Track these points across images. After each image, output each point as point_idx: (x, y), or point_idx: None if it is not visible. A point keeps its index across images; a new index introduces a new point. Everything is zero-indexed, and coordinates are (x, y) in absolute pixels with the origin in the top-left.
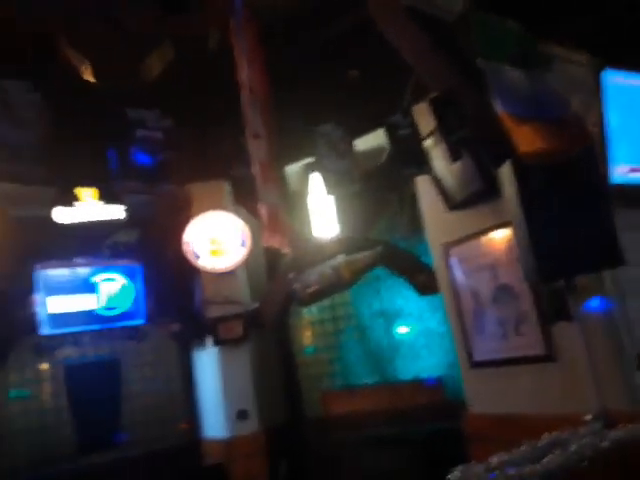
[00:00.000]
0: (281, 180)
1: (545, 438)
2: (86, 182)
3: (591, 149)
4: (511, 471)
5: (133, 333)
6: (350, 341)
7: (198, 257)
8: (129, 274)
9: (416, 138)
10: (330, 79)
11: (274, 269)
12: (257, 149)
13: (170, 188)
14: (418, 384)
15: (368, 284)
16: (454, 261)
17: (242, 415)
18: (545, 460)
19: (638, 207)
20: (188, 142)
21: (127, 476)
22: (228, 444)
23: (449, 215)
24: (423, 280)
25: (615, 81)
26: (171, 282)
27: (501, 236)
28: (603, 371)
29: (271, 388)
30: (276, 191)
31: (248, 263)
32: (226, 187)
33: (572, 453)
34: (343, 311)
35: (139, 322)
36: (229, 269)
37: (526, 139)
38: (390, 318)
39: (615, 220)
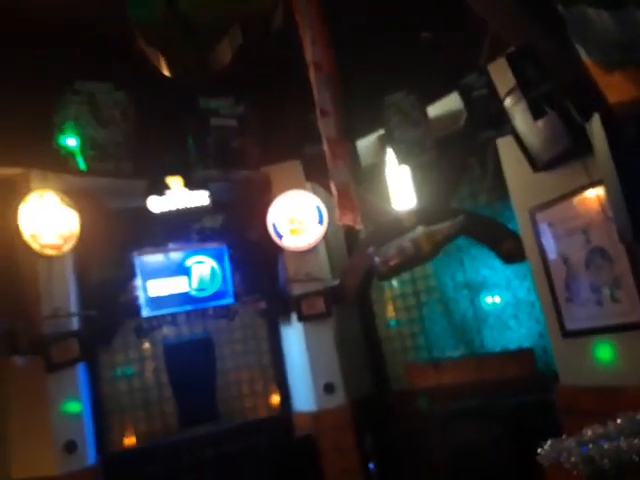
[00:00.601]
0: (352, 156)
1: None
2: (172, 172)
3: None
4: (606, 445)
5: (224, 312)
6: (434, 314)
7: (280, 237)
8: (217, 256)
9: (494, 98)
10: (399, 45)
11: (354, 245)
12: (326, 127)
13: (248, 173)
14: (506, 355)
15: (450, 255)
16: (542, 226)
17: (329, 389)
18: None
19: None
20: (260, 126)
21: (224, 447)
22: (316, 417)
23: (535, 177)
24: (509, 248)
25: None
26: (256, 262)
27: (593, 197)
28: None
29: (356, 362)
30: (347, 168)
31: (328, 240)
32: (300, 167)
33: None
34: (425, 284)
35: (228, 301)
36: (309, 247)
37: (617, 88)
38: (475, 289)
39: None
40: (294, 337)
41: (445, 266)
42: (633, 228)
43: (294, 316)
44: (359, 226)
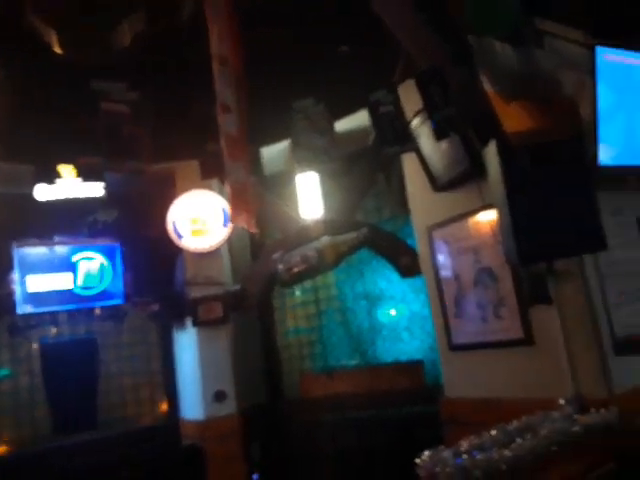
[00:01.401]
0: (254, 158)
1: (516, 422)
2: (63, 159)
3: (580, 130)
4: (479, 456)
5: (112, 313)
6: (332, 323)
7: (180, 237)
8: (108, 253)
9: (400, 116)
10: (313, 55)
11: (259, 250)
12: (227, 123)
13: (140, 165)
14: (398, 367)
15: (352, 266)
16: (437, 243)
17: (219, 396)
18: (514, 445)
19: (619, 190)
20: (157, 117)
21: (100, 457)
22: (204, 425)
23: (435, 196)
24: (406, 262)
25: (607, 59)
26: (151, 262)
27: (485, 218)
28: (579, 356)
29: (251, 370)
30: (245, 169)
31: (232, 243)
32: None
33: (542, 438)
34: (326, 293)
35: (117, 302)
36: (211, 249)
37: (513, 118)
38: (373, 300)
39: (598, 204)
40: (187, 343)
41: (346, 276)
42: (518, 252)
43: (189, 321)
44: (253, 229)
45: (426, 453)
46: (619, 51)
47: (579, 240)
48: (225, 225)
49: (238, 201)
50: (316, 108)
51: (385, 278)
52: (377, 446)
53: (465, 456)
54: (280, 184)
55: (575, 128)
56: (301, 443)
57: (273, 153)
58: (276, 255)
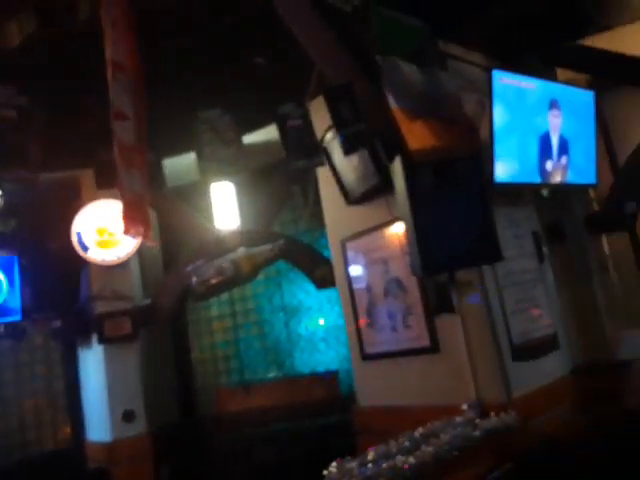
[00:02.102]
0: (157, 168)
1: (421, 429)
2: None
3: (478, 149)
4: (384, 464)
5: (9, 331)
6: (249, 336)
7: (86, 249)
8: (4, 266)
9: (308, 130)
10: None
11: (171, 262)
12: (122, 131)
13: (44, 175)
14: (314, 378)
15: (269, 278)
16: (350, 255)
17: (128, 417)
18: (419, 451)
19: (515, 205)
20: (49, 124)
21: None
22: (112, 447)
23: (348, 209)
24: (321, 274)
25: (502, 82)
26: (53, 275)
27: (394, 231)
28: (480, 362)
29: (163, 387)
30: (142, 178)
31: (142, 256)
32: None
33: (445, 443)
34: (243, 306)
35: (15, 319)
36: (119, 261)
37: (417, 136)
38: (290, 312)
39: (494, 218)
40: (93, 361)
41: (264, 289)
42: (422, 264)
43: (94, 338)
44: (150, 241)
45: (333, 464)
46: (513, 75)
47: (478, 252)
48: (135, 236)
49: (132, 212)
50: (222, 119)
51: (302, 290)
52: (293, 458)
53: (370, 465)
54: (194, 195)
55: (474, 147)
56: (216, 460)
57: (186, 163)
58: (190, 267)
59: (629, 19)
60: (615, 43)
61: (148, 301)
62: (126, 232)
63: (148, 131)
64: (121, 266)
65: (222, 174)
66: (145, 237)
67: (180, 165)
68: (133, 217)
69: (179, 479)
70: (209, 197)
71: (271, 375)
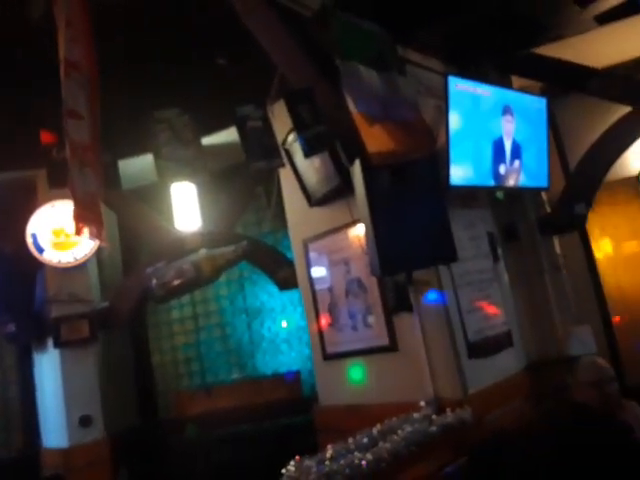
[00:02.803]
0: (112, 169)
1: (379, 426)
2: None
3: (434, 152)
4: (342, 461)
5: None
6: (211, 339)
7: (41, 250)
8: None
9: (268, 131)
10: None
11: (131, 264)
12: (75, 130)
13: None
14: (277, 379)
15: (232, 280)
16: (312, 256)
17: (85, 422)
18: (376, 448)
19: (471, 208)
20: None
21: None
22: (68, 453)
23: (310, 211)
24: (284, 275)
25: (458, 88)
26: (7, 278)
27: (355, 232)
28: (437, 360)
29: (122, 391)
30: (96, 178)
31: (101, 258)
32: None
33: (401, 439)
34: (204, 308)
35: None
36: (76, 264)
37: (376, 139)
38: (253, 314)
39: (450, 219)
40: (49, 365)
41: (226, 290)
42: (380, 264)
43: (50, 341)
44: (104, 242)
45: (291, 463)
46: (469, 81)
47: (434, 252)
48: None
49: (85, 211)
50: (180, 119)
51: (265, 291)
52: (254, 459)
53: (328, 463)
54: (155, 196)
55: (430, 150)
56: (175, 463)
57: (145, 164)
58: (149, 269)
59: (580, 30)
60: (567, 52)
61: (106, 304)
62: (78, 232)
63: (103, 130)
64: (78, 268)
65: (181, 175)
66: (98, 237)
67: (139, 166)
68: (85, 217)
69: None
70: (170, 198)
71: (233, 377)
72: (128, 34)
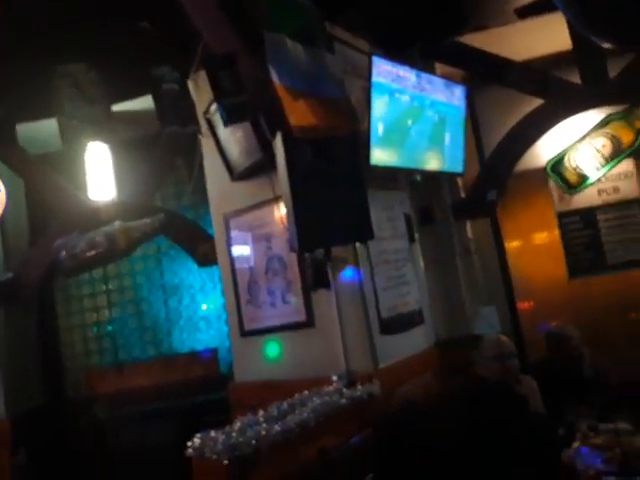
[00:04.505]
0: (6, 124)
1: (290, 399)
2: None
3: (356, 132)
4: (249, 432)
5: None
6: (124, 315)
7: None
8: None
9: (184, 95)
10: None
11: (39, 234)
12: None
13: None
14: (193, 357)
15: (148, 255)
16: (234, 232)
17: None
18: (284, 420)
19: (390, 189)
20: None
21: None
22: None
23: (232, 185)
24: (203, 251)
25: (382, 68)
26: None
27: (277, 209)
28: (351, 335)
29: (26, 370)
30: None
31: (5, 226)
32: None
33: (310, 410)
34: (117, 283)
35: None
36: None
37: (298, 113)
38: (170, 291)
39: (368, 199)
40: None
41: (142, 266)
42: (298, 240)
43: None
44: None
45: (197, 436)
46: (393, 63)
47: (351, 230)
48: None
49: None
50: (87, 75)
51: (184, 268)
52: (165, 438)
53: (234, 434)
54: (66, 163)
55: (352, 128)
56: (82, 443)
57: (54, 128)
58: (59, 241)
59: (503, 22)
60: (489, 43)
61: (10, 275)
62: None
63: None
64: None
65: (85, 134)
66: None
67: (49, 130)
68: None
69: (38, 462)
70: (82, 165)
71: (149, 355)
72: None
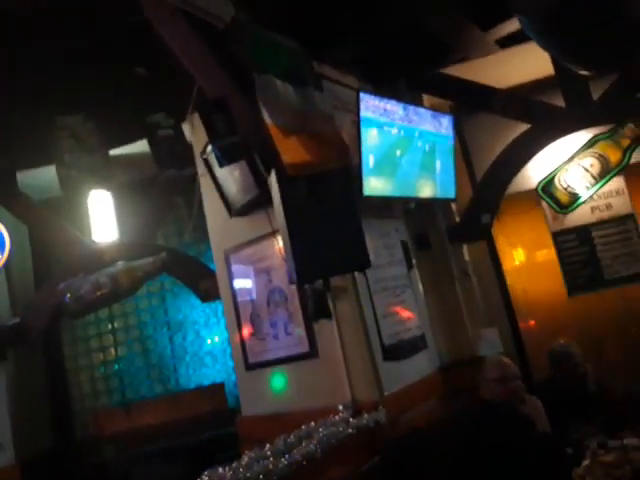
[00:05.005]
0: (8, 175)
1: (296, 431)
2: None
3: (348, 164)
4: (257, 467)
5: None
6: (131, 354)
7: None
8: None
9: (179, 140)
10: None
11: (44, 278)
12: None
13: None
14: (200, 392)
15: (152, 293)
16: (235, 267)
17: None
18: (291, 452)
19: (385, 218)
20: None
21: None
22: None
23: (231, 221)
24: (205, 286)
25: (369, 103)
26: None
27: (275, 242)
28: (355, 364)
29: (35, 413)
30: None
31: (11, 271)
32: None
33: (317, 442)
34: (123, 322)
35: None
36: None
37: (291, 150)
38: (175, 327)
39: (363, 229)
40: None
41: (146, 304)
42: (297, 273)
43: None
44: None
45: (205, 473)
46: (380, 98)
47: (349, 260)
48: (1, 251)
49: None
50: (85, 125)
51: (188, 304)
52: (174, 477)
53: (241, 470)
54: (69, 207)
55: (344, 162)
56: None
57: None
58: (63, 283)
59: (484, 52)
60: (472, 74)
61: (17, 320)
62: None
63: (1, 137)
64: None
65: (85, 183)
66: None
67: (50, 176)
68: None
69: None
70: (85, 209)
71: (154, 393)
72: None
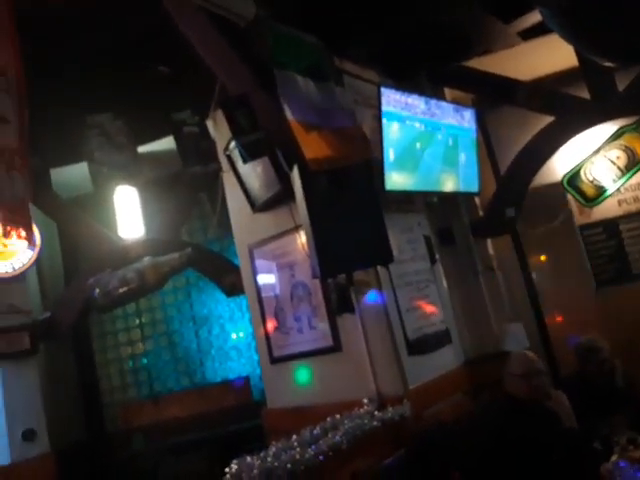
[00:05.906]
0: (42, 172)
1: (322, 423)
2: None
3: (369, 159)
4: (284, 457)
5: None
6: (158, 348)
7: None
8: None
9: (204, 137)
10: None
11: (73, 274)
12: (2, 134)
13: None
14: (225, 386)
15: (177, 288)
16: (258, 262)
17: (28, 436)
18: (318, 444)
19: (408, 212)
20: None
21: None
22: (11, 469)
23: (254, 216)
24: (230, 281)
25: (391, 97)
26: None
27: (298, 237)
28: (379, 358)
29: (67, 405)
30: (24, 182)
31: (41, 267)
32: None
33: (342, 434)
34: (150, 317)
35: None
36: (14, 274)
37: (313, 146)
38: (200, 321)
39: (385, 223)
40: None
41: (172, 298)
42: (320, 267)
43: None
44: (32, 245)
45: (234, 462)
46: (401, 92)
47: (371, 255)
48: (32, 247)
49: (13, 215)
50: (113, 123)
51: (213, 298)
52: (203, 469)
53: (270, 459)
54: (96, 204)
55: (366, 156)
56: (123, 476)
57: (84, 172)
58: (92, 278)
59: (507, 45)
60: (495, 66)
61: (48, 314)
62: (6, 235)
63: (34, 135)
64: (17, 278)
65: (115, 179)
66: (27, 241)
67: (79, 174)
68: (13, 220)
69: None
70: (112, 206)
71: (182, 386)
72: (63, 40)
